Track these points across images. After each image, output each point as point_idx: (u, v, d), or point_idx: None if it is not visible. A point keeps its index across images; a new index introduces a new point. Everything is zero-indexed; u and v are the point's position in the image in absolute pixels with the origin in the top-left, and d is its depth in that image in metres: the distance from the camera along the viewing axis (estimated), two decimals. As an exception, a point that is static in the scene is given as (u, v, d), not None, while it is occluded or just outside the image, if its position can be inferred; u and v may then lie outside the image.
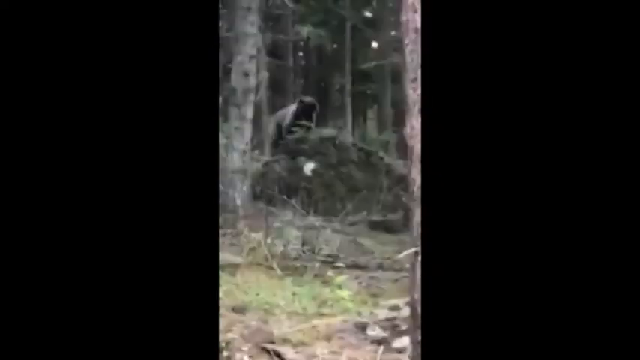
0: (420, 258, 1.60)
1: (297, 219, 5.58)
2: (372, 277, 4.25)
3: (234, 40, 6.42)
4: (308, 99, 8.77)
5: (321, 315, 3.09)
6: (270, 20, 12.23)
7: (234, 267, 3.84)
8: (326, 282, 3.77)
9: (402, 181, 6.35)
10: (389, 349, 2.61)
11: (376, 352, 2.57)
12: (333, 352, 2.57)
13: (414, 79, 1.68)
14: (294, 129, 7.95)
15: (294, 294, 3.46)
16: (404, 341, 2.55)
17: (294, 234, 4.83)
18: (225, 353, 2.42)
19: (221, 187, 6.43)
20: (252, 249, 4.22)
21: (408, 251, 1.69)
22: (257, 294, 3.39)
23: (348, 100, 13.29)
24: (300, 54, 15.75)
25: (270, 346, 2.56)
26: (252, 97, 6.45)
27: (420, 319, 1.59)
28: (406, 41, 1.71)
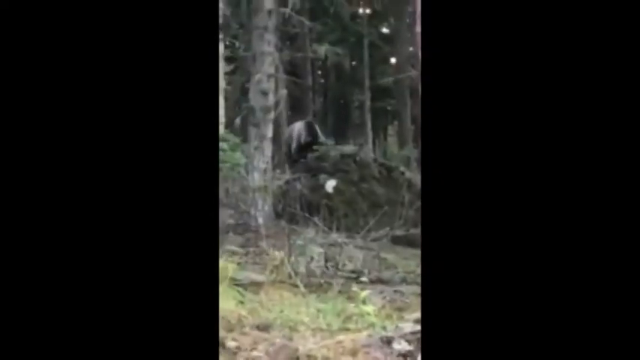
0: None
1: (319, 236, 5.58)
2: (396, 292, 4.22)
3: (252, 60, 6.47)
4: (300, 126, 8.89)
5: (346, 330, 3.07)
6: (287, 39, 12.33)
7: (257, 285, 3.85)
8: (350, 298, 3.76)
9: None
10: (415, 362, 2.59)
11: (402, 366, 2.55)
12: (359, 367, 2.56)
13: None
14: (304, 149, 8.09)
15: (318, 310, 3.45)
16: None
17: (317, 251, 4.83)
18: (250, 371, 2.42)
19: (243, 207, 6.47)
20: (276, 267, 4.23)
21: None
22: (281, 311, 3.38)
23: (368, 117, 13.32)
24: (319, 72, 15.85)
25: (295, 363, 2.55)
26: (271, 115, 6.48)
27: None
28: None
